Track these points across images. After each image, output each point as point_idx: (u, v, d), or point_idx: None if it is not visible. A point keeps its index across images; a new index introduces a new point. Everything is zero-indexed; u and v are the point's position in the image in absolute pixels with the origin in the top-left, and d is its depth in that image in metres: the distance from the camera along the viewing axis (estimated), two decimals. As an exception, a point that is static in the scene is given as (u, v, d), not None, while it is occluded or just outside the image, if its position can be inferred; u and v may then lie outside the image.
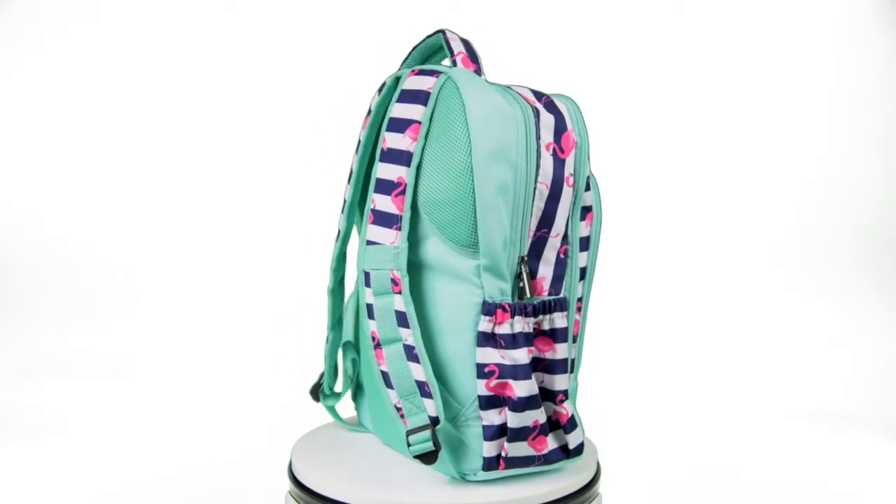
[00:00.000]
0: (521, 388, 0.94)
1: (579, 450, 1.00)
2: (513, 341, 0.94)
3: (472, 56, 1.00)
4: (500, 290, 0.95)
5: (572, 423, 0.99)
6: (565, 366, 0.97)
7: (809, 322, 2.37)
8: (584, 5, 2.53)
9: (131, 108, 2.51)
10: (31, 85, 2.52)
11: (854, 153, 2.59)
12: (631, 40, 2.54)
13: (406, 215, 0.96)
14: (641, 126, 2.52)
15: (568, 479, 1.02)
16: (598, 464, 1.09)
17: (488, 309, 0.94)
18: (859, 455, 1.83)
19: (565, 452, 1.00)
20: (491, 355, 0.95)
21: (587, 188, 1.01)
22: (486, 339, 0.95)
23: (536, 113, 0.96)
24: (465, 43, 1.01)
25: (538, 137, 0.95)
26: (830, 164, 2.57)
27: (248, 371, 2.17)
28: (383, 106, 1.03)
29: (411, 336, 0.95)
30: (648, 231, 2.45)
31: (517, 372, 0.94)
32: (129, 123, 2.50)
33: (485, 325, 0.95)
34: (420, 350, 0.95)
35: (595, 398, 1.65)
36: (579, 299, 1.02)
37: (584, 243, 1.02)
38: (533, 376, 0.95)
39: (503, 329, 0.94)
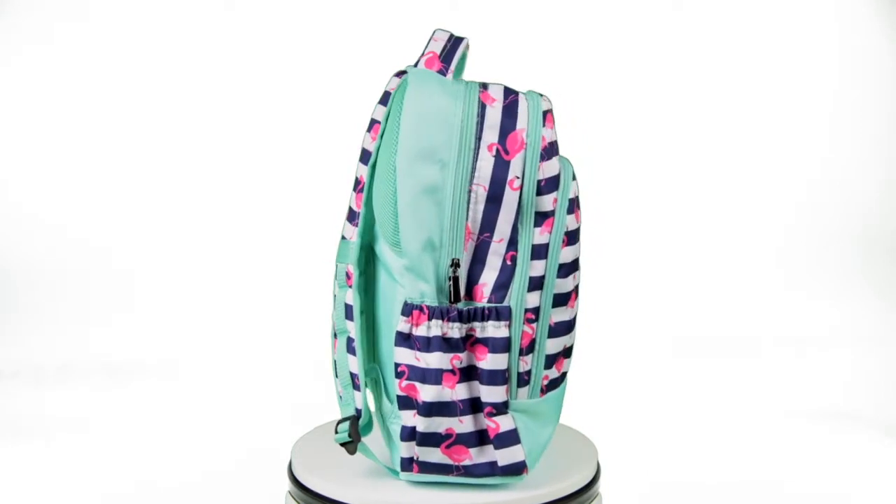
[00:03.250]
0: (427, 393, 0.95)
1: (515, 469, 0.97)
2: (427, 344, 0.95)
3: (446, 55, 0.99)
4: (420, 291, 0.95)
5: (505, 440, 0.96)
6: (500, 378, 0.95)
7: (809, 322, 2.37)
8: (585, 3, 2.53)
9: (132, 108, 2.50)
10: (31, 85, 2.51)
11: (855, 153, 2.58)
12: (631, 38, 2.53)
13: (362, 212, 0.99)
14: (641, 124, 2.51)
15: (568, 479, 1.02)
16: (598, 464, 1.09)
17: (406, 309, 0.95)
18: (859, 455, 1.83)
19: (494, 468, 0.97)
20: (405, 356, 0.96)
21: (543, 192, 0.96)
22: (403, 340, 0.96)
23: (482, 112, 0.95)
24: (453, 40, 1.01)
25: (479, 138, 0.94)
26: (831, 164, 2.57)
27: (247, 371, 2.17)
28: None
29: (354, 329, 0.99)
30: (648, 230, 2.45)
31: (426, 376, 0.94)
32: (131, 124, 2.50)
33: (402, 325, 0.95)
34: (358, 343, 0.99)
35: (595, 398, 1.66)
36: (532, 310, 0.97)
37: (540, 251, 0.96)
38: (462, 385, 0.94)
39: (420, 331, 0.95)
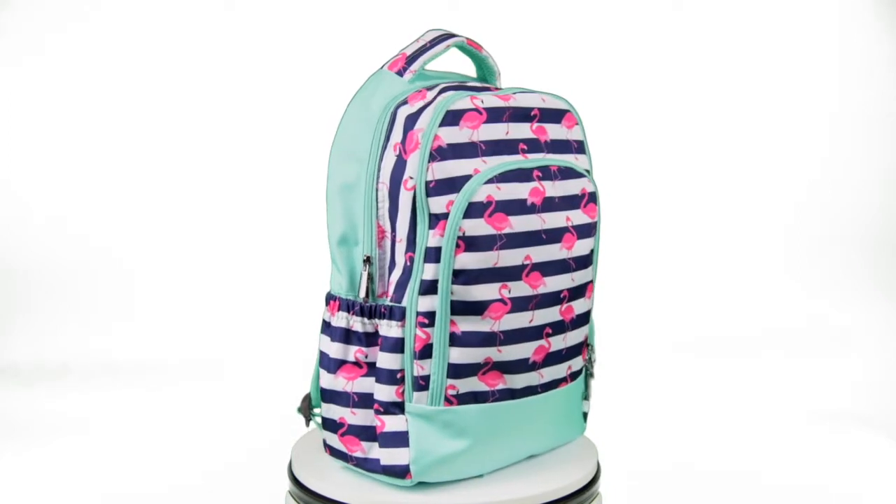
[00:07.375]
0: (323, 380, 1.00)
1: (398, 472, 0.96)
2: (334, 334, 0.99)
3: (416, 55, 1.00)
4: (338, 283, 1.00)
5: (389, 440, 0.95)
6: (389, 377, 0.95)
7: (811, 322, 2.37)
8: (584, 3, 2.53)
9: (132, 109, 2.50)
10: (32, 87, 2.51)
11: (856, 152, 2.58)
12: (631, 38, 2.53)
13: None
14: (642, 125, 2.51)
15: (568, 478, 1.02)
16: (598, 464, 1.09)
17: (326, 299, 1.01)
18: (860, 455, 1.83)
19: (378, 466, 0.97)
20: (323, 343, 1.01)
21: (434, 193, 0.92)
22: (325, 328, 1.01)
23: (394, 112, 0.95)
24: (437, 41, 1.02)
25: (387, 137, 0.95)
26: (832, 164, 2.57)
27: (248, 371, 2.17)
28: None
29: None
30: (650, 231, 2.45)
31: (327, 364, 0.99)
32: (133, 124, 2.50)
33: (325, 314, 1.01)
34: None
35: (596, 398, 1.65)
36: (425, 314, 0.93)
37: (433, 254, 0.92)
38: (366, 379, 0.97)
39: (333, 321, 0.99)
